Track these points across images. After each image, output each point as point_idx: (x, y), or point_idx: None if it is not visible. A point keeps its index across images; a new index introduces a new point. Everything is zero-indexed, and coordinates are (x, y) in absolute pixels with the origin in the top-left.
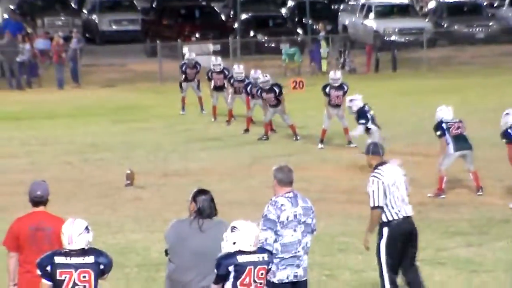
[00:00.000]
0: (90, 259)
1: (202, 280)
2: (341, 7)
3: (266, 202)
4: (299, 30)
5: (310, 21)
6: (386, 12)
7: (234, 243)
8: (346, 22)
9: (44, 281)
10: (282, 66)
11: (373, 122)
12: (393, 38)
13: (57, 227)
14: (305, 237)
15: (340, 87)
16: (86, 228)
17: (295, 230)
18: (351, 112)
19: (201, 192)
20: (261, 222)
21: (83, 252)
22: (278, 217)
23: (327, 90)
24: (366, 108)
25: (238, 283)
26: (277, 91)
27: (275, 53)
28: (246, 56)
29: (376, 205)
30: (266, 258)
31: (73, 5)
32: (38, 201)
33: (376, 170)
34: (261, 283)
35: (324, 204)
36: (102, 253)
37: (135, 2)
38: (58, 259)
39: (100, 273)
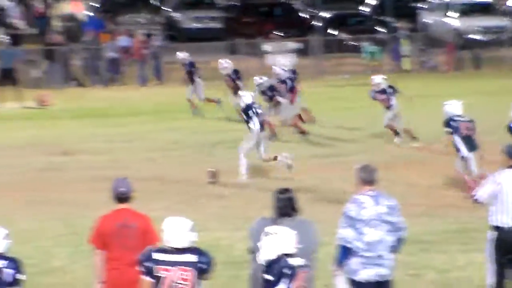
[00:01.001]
0: (191, 257)
1: None
2: (422, 5)
3: (348, 200)
4: (381, 28)
5: (391, 19)
6: (467, 10)
7: (274, 247)
8: (427, 20)
9: (144, 277)
10: (363, 65)
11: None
12: (475, 36)
13: (142, 224)
14: (389, 236)
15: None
16: (191, 227)
17: (378, 229)
18: None
19: (281, 190)
20: (341, 219)
21: (183, 250)
22: (359, 215)
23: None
24: None
25: (290, 287)
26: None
27: (355, 51)
28: (326, 54)
29: (476, 196)
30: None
31: (154, 3)
32: (122, 198)
33: (502, 172)
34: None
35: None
36: (203, 252)
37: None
38: (158, 256)
39: (201, 273)
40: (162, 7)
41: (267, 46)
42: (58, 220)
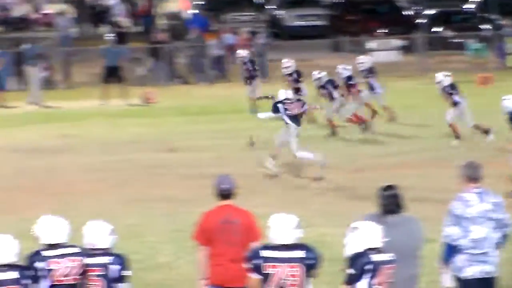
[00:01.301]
0: (299, 253)
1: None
2: None
3: (452, 199)
4: (485, 26)
5: (496, 17)
6: None
7: (359, 241)
8: None
9: (252, 275)
10: (468, 62)
11: None
12: None
13: (245, 220)
14: (495, 233)
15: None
16: (297, 224)
17: (483, 226)
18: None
19: (386, 187)
20: (447, 217)
21: (291, 247)
22: (464, 213)
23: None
24: None
25: (373, 282)
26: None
27: (460, 48)
28: (430, 52)
29: None
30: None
31: (258, 1)
32: (225, 194)
33: None
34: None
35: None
36: (311, 248)
37: None
38: (266, 253)
39: (309, 269)
40: (266, 5)
41: (371, 44)
42: (163, 216)
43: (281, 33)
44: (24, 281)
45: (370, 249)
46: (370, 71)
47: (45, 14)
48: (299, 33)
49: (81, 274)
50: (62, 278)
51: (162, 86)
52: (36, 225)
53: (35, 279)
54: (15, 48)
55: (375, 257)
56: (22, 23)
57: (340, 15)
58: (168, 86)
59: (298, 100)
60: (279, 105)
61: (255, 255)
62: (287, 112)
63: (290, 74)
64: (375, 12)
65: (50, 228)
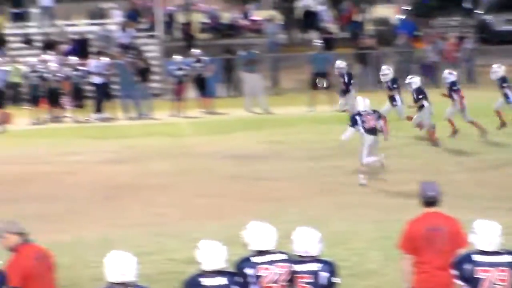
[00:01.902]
0: (507, 258)
1: None
2: None
3: None
4: None
5: None
6: None
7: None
8: None
9: (458, 282)
10: None
11: None
12: None
13: (452, 227)
14: None
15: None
16: (501, 231)
17: None
18: None
19: None
20: None
21: (498, 252)
22: None
23: None
24: None
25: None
26: None
27: None
28: None
29: None
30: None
31: (466, 6)
32: (431, 201)
33: None
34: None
35: None
36: None
37: None
38: (477, 258)
39: None
40: (475, 10)
41: None
42: (371, 223)
43: (489, 38)
44: (233, 287)
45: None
46: (504, 80)
47: (254, 21)
48: (508, 38)
49: (288, 281)
50: (271, 285)
51: (370, 92)
52: (245, 231)
53: (244, 285)
54: (225, 55)
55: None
56: (231, 30)
57: None
58: (375, 92)
59: (374, 111)
60: (357, 117)
61: (466, 260)
62: (364, 124)
63: (387, 82)
64: None
65: (259, 235)
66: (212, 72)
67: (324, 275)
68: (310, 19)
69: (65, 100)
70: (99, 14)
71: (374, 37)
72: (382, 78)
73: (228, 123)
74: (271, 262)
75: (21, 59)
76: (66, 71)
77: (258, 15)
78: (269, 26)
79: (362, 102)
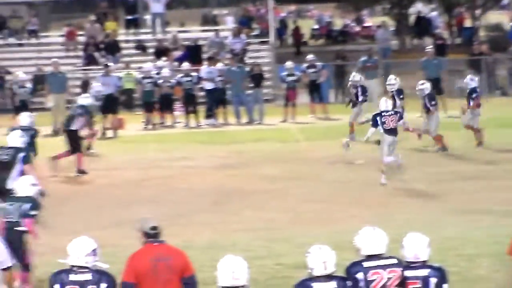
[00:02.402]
0: None
1: None
2: None
3: None
4: None
5: None
6: None
7: None
8: None
9: None
10: None
11: None
12: None
13: None
14: None
15: None
16: None
17: None
18: None
19: None
20: None
21: None
22: None
23: None
24: None
25: None
26: None
27: None
28: None
29: None
30: None
31: None
32: None
33: None
34: None
35: None
36: None
37: None
38: None
39: None
40: None
41: None
42: (481, 228)
43: None
44: None
45: None
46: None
47: (366, 27)
48: None
49: (398, 285)
50: None
51: (482, 98)
52: (357, 236)
53: None
54: (337, 61)
55: None
56: (343, 36)
57: None
58: (488, 98)
59: (396, 112)
60: (377, 118)
61: None
62: (384, 125)
63: (392, 91)
64: None
65: (371, 239)
66: (326, 78)
67: (433, 281)
68: (422, 25)
69: (177, 106)
70: (212, 21)
71: (487, 43)
72: (388, 88)
73: (339, 129)
74: (382, 267)
75: (134, 65)
76: (178, 77)
77: (370, 21)
78: (381, 32)
79: (384, 103)
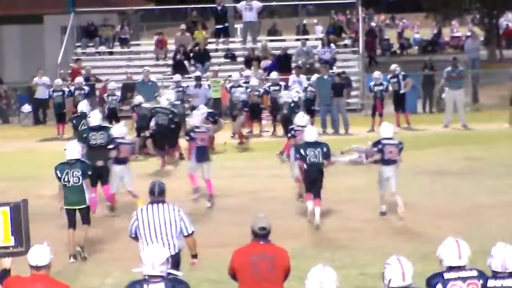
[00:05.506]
0: None
1: None
2: None
3: None
4: None
5: None
6: None
7: None
8: None
9: None
10: None
11: None
12: None
13: None
14: None
15: None
16: None
17: None
18: None
19: None
20: None
21: None
22: None
23: None
24: None
25: None
26: None
27: None
28: None
29: None
30: None
31: None
32: None
33: None
34: None
35: None
36: None
37: None
38: None
39: None
40: None
41: None
42: None
43: None
44: None
45: None
46: None
47: (455, 37)
48: None
49: None
50: None
51: None
52: (441, 247)
53: None
54: (425, 71)
55: None
56: (432, 45)
57: None
58: None
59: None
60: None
61: None
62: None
63: None
64: None
65: (454, 251)
66: (411, 88)
67: None
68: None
69: (265, 115)
70: (302, 30)
71: None
72: None
73: (424, 139)
74: (462, 279)
75: (222, 74)
76: (266, 86)
77: (459, 31)
78: (469, 42)
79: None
